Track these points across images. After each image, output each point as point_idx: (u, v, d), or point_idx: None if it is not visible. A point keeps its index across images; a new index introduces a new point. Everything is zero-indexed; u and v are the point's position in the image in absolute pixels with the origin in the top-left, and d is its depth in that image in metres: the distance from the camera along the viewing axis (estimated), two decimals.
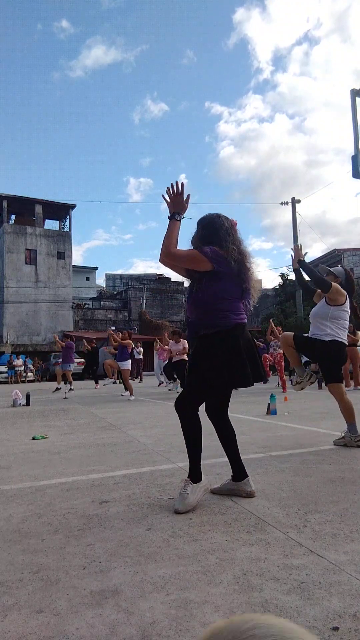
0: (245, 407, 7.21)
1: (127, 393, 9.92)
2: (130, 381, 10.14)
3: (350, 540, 1.82)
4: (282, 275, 30.40)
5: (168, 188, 2.40)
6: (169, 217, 2.39)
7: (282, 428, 4.89)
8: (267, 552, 1.75)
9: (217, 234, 2.39)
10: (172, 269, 2.51)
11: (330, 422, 5.06)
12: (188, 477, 2.39)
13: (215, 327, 2.32)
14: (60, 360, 13.02)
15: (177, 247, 2.35)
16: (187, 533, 1.98)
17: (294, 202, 22.39)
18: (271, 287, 34.55)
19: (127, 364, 9.93)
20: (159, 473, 3.07)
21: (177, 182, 2.39)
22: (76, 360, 13.91)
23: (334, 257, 30.41)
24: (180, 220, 2.38)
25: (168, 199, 2.41)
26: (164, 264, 2.43)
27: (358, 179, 9.89)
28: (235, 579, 1.54)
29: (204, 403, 2.52)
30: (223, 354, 2.30)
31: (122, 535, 1.99)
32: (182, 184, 2.37)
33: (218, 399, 2.55)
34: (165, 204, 2.43)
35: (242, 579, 1.54)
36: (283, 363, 10.22)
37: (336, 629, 1.23)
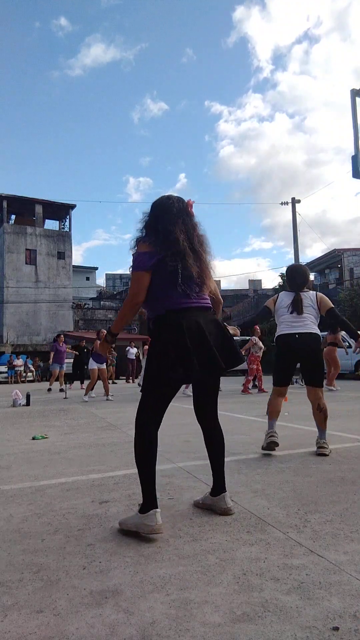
0: (245, 407, 7.21)
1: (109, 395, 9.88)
2: (120, 382, 10.12)
3: (350, 540, 1.82)
4: (282, 276, 30.42)
5: None
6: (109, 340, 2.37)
7: (282, 428, 4.89)
8: (267, 552, 1.75)
9: (162, 217, 2.20)
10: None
11: (330, 422, 5.04)
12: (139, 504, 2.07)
13: (151, 319, 2.21)
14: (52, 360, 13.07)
15: (126, 299, 2.21)
16: (187, 533, 1.98)
17: (294, 202, 22.38)
18: (271, 287, 34.56)
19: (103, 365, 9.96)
20: (158, 473, 3.05)
21: None
22: (68, 361, 13.92)
23: (334, 257, 30.43)
24: (111, 332, 2.35)
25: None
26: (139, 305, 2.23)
27: (358, 179, 9.89)
28: (235, 579, 1.54)
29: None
30: (152, 349, 2.13)
31: (122, 535, 1.99)
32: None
33: (198, 399, 2.39)
34: None
35: (242, 579, 1.54)
36: (254, 366, 10.22)
37: (336, 629, 1.23)
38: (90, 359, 10.12)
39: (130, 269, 2.18)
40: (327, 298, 3.80)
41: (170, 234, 2.15)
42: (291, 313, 3.64)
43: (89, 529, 2.09)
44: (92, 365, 9.93)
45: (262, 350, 10.22)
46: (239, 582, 1.52)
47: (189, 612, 1.35)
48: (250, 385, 10.31)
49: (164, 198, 2.30)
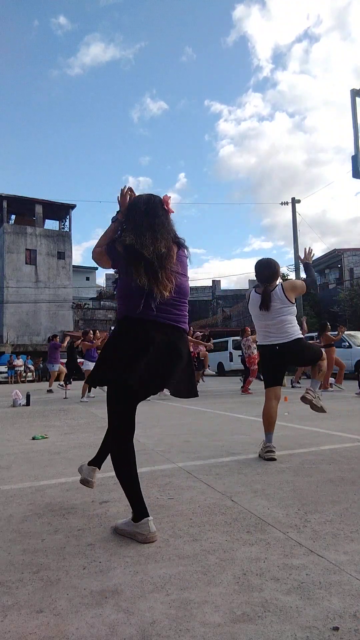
0: (245, 407, 7.21)
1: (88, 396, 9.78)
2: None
3: (350, 540, 1.82)
4: (282, 275, 30.47)
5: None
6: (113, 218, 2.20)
7: (282, 428, 4.89)
8: (267, 552, 1.75)
9: (132, 219, 2.07)
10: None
11: (330, 422, 5.06)
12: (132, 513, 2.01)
13: (117, 319, 2.12)
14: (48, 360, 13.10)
15: (98, 243, 2.19)
16: (187, 533, 1.98)
17: (294, 202, 22.39)
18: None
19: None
20: (158, 473, 3.07)
21: (125, 188, 2.17)
22: (62, 360, 13.91)
23: (334, 257, 30.44)
24: (114, 221, 2.15)
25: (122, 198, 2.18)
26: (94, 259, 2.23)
27: (358, 179, 9.89)
28: (235, 579, 1.54)
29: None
30: (117, 345, 2.03)
31: (122, 535, 1.99)
32: (125, 186, 2.16)
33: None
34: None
35: (242, 579, 1.54)
36: (255, 367, 10.19)
37: (336, 629, 1.23)
38: (85, 360, 10.09)
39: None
40: (292, 280, 3.89)
41: (146, 237, 1.98)
42: (263, 312, 3.58)
43: (89, 529, 2.09)
44: (87, 366, 9.93)
45: (252, 349, 10.20)
46: (239, 582, 1.52)
47: (189, 612, 1.35)
48: (250, 386, 10.33)
49: (138, 198, 2.15)
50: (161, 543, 1.89)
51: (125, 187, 2.19)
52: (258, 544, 1.83)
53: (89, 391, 9.93)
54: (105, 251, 2.10)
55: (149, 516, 1.95)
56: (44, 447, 4.28)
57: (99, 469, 2.40)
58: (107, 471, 3.18)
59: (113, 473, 3.10)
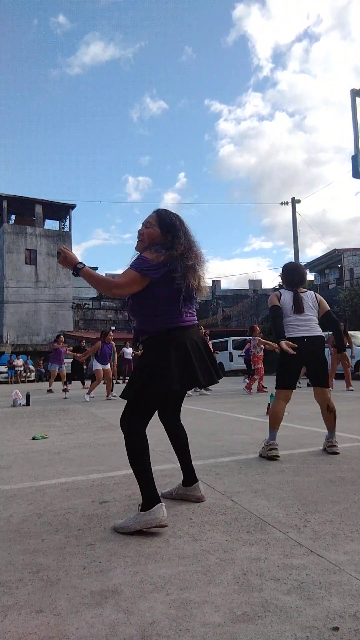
0: (245, 407, 7.21)
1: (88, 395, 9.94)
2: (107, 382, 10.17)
3: (350, 540, 1.82)
4: (281, 275, 30.37)
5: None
6: (75, 274, 2.22)
7: (282, 428, 4.88)
8: (267, 552, 1.75)
9: (178, 233, 2.24)
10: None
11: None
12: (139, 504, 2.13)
13: (151, 333, 2.22)
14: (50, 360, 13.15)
15: (111, 280, 2.21)
16: (187, 533, 1.98)
17: (294, 202, 22.39)
18: (271, 287, 34.58)
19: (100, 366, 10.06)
20: (158, 473, 3.07)
21: (59, 249, 2.31)
22: (67, 361, 13.95)
23: (334, 257, 30.43)
24: (83, 267, 2.20)
25: (61, 263, 2.29)
26: (121, 295, 2.25)
27: (358, 179, 9.89)
28: (235, 579, 1.54)
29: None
30: (151, 360, 2.16)
31: (122, 535, 1.99)
32: (61, 248, 2.30)
33: (169, 404, 2.48)
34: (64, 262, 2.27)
35: (242, 579, 1.54)
36: (260, 365, 10.24)
37: (336, 629, 1.23)
38: (94, 360, 10.13)
39: (131, 266, 2.13)
40: (324, 300, 3.82)
41: (180, 249, 2.18)
42: (295, 313, 3.62)
43: (89, 529, 2.09)
44: (97, 366, 9.95)
45: (262, 350, 10.22)
46: (239, 582, 1.52)
47: (189, 612, 1.35)
48: (253, 385, 10.34)
49: (168, 215, 2.31)
50: (161, 543, 1.89)
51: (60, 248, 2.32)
52: (258, 544, 1.83)
53: (107, 391, 9.94)
54: (145, 274, 2.12)
55: (160, 502, 2.05)
56: (44, 447, 4.28)
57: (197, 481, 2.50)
58: (107, 471, 3.18)
59: (113, 473, 3.12)
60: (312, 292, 3.82)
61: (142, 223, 2.34)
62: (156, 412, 2.36)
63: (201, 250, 2.32)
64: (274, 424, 3.56)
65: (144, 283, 2.14)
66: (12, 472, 3.31)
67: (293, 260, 20.43)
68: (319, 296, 3.81)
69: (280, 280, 30.91)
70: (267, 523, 2.05)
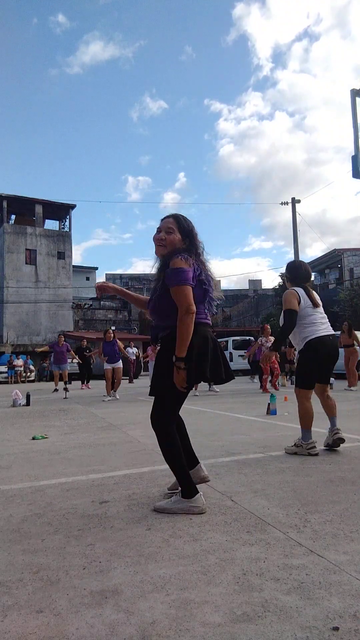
0: (245, 407, 7.21)
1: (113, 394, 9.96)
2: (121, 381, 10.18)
3: (350, 540, 1.82)
4: (282, 275, 30.42)
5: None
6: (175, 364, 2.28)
7: (282, 428, 4.89)
8: (267, 552, 1.75)
9: (194, 239, 2.47)
10: None
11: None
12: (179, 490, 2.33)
13: (176, 329, 2.30)
14: (53, 360, 13.18)
15: (185, 314, 2.27)
16: (187, 533, 1.98)
17: (294, 202, 22.38)
18: (271, 287, 34.57)
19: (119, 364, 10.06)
20: (159, 473, 3.07)
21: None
22: (70, 360, 13.98)
23: (333, 257, 30.44)
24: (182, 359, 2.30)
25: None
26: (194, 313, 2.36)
27: (358, 179, 9.89)
28: (235, 579, 1.54)
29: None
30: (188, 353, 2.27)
31: (122, 535, 1.99)
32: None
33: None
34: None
35: (242, 579, 1.54)
36: (277, 365, 10.35)
37: (336, 629, 1.23)
38: (104, 360, 10.09)
39: (175, 283, 2.27)
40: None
41: (198, 253, 2.45)
42: (315, 308, 3.66)
43: (89, 529, 2.09)
44: (106, 365, 9.93)
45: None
46: (239, 582, 1.52)
47: (189, 612, 1.35)
48: (269, 383, 10.39)
49: (189, 221, 2.50)
50: (161, 543, 1.89)
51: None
52: (258, 544, 1.83)
53: (113, 392, 9.93)
54: (187, 282, 2.30)
55: (199, 492, 2.29)
56: (44, 447, 4.28)
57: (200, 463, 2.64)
58: (107, 471, 3.18)
59: (113, 473, 3.12)
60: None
61: (161, 229, 2.45)
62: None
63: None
64: (309, 423, 3.59)
65: (190, 289, 2.34)
66: (12, 472, 3.31)
67: (297, 260, 20.49)
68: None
69: (281, 280, 30.95)
70: (267, 523, 2.05)
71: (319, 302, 3.72)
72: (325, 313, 3.77)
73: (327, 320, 3.73)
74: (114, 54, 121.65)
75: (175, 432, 2.37)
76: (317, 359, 3.58)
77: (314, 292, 3.77)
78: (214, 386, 10.37)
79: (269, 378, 10.50)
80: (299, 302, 3.62)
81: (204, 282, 2.39)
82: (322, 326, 3.63)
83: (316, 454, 3.45)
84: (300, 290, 3.70)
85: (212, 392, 10.33)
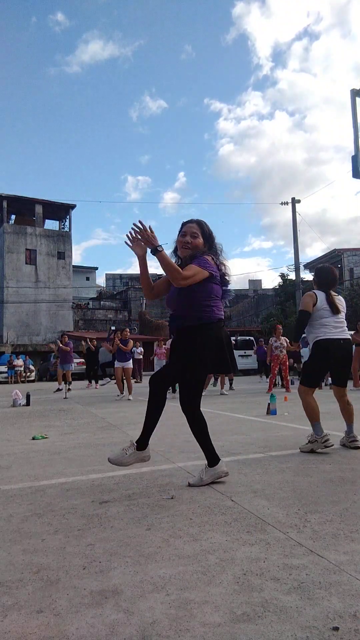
0: (245, 407, 7.21)
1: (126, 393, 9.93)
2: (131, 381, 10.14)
3: (350, 540, 1.82)
4: (282, 275, 30.37)
5: (132, 230, 2.67)
6: (153, 253, 2.61)
7: (282, 428, 4.89)
8: (267, 552, 1.75)
9: (213, 242, 2.82)
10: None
11: (330, 422, 5.05)
12: (206, 462, 2.77)
13: (202, 319, 2.67)
14: (59, 360, 13.17)
15: (180, 270, 2.59)
16: (187, 533, 1.98)
17: (294, 202, 22.39)
18: (271, 287, 34.56)
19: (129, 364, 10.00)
20: (159, 473, 3.07)
21: (138, 222, 2.65)
22: (75, 360, 13.97)
23: (333, 257, 30.43)
24: (162, 251, 2.60)
25: (140, 237, 2.64)
26: (182, 286, 2.65)
27: (358, 179, 9.88)
28: (235, 579, 1.54)
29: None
30: (211, 343, 2.68)
31: (122, 535, 1.99)
32: (140, 221, 2.66)
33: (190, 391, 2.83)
34: (139, 242, 2.69)
35: (242, 579, 1.54)
36: (287, 364, 10.40)
37: (336, 629, 1.23)
38: (116, 359, 10.04)
39: (197, 264, 2.62)
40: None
41: (219, 258, 2.80)
42: (333, 314, 3.72)
43: (89, 529, 2.09)
44: (117, 364, 9.92)
45: (284, 350, 10.21)
46: (239, 582, 1.52)
47: (189, 612, 1.35)
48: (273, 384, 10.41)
49: (207, 225, 2.85)
50: (161, 543, 1.89)
51: (139, 222, 2.66)
52: (258, 544, 1.83)
53: (128, 391, 9.90)
54: (209, 271, 2.66)
55: (220, 459, 2.76)
56: (44, 447, 4.28)
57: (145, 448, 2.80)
58: (107, 471, 3.18)
59: (113, 473, 3.12)
60: (340, 296, 3.93)
61: (186, 232, 2.74)
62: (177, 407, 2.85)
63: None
64: (315, 417, 3.66)
65: (202, 278, 2.62)
66: (12, 472, 3.32)
67: (293, 262, 20.48)
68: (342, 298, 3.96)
69: (281, 281, 30.90)
70: (267, 523, 2.05)
71: (341, 309, 3.79)
72: (345, 319, 3.82)
73: (344, 326, 3.78)
74: (114, 52, 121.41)
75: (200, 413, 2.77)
76: (325, 359, 3.70)
77: (337, 298, 3.81)
78: (223, 390, 10.41)
79: (277, 381, 10.53)
80: (314, 305, 3.72)
81: (225, 282, 2.79)
82: (335, 330, 3.70)
83: (332, 446, 3.50)
84: (321, 294, 3.78)
85: (222, 394, 10.31)
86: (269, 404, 6.10)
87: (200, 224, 2.79)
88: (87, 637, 1.25)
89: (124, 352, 9.86)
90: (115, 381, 10.56)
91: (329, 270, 3.97)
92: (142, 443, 2.73)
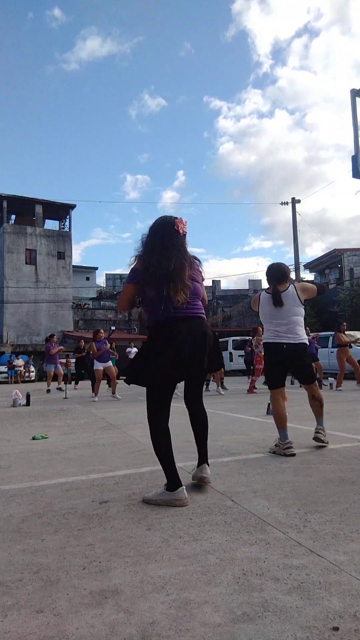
0: (245, 407, 7.21)
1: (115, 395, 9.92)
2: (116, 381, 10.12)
3: (350, 540, 1.82)
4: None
5: None
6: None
7: None
8: (267, 552, 1.75)
9: (151, 238, 2.51)
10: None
11: (330, 422, 5.05)
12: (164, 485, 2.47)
13: (149, 325, 2.57)
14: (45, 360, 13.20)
15: (120, 298, 2.65)
16: (187, 533, 1.98)
17: (294, 202, 22.40)
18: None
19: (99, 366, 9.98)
20: (159, 473, 3.07)
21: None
22: (60, 360, 13.98)
23: (333, 257, 30.42)
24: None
25: None
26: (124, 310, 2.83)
27: (358, 179, 9.88)
28: (235, 579, 1.54)
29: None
30: (148, 349, 2.52)
31: (122, 535, 1.99)
32: None
33: (190, 389, 2.77)
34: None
35: (242, 579, 1.54)
36: (260, 366, 10.33)
37: (336, 629, 1.23)
38: (95, 360, 10.03)
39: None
40: (304, 283, 4.00)
41: (159, 255, 2.42)
42: (274, 307, 3.72)
43: (89, 529, 2.09)
44: (97, 365, 9.89)
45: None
46: (239, 582, 1.52)
47: (189, 612, 1.35)
48: (255, 385, 10.38)
49: (157, 221, 2.56)
50: (161, 543, 1.89)
51: None
52: (258, 544, 1.83)
53: (96, 394, 9.90)
54: (127, 280, 2.54)
55: (182, 485, 2.40)
56: (44, 447, 4.28)
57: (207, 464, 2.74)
58: (107, 471, 3.18)
59: (113, 473, 3.12)
60: (292, 285, 3.85)
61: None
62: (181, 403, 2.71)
63: (180, 258, 2.58)
64: (282, 424, 3.65)
65: (129, 291, 2.62)
66: (12, 472, 3.31)
67: (293, 261, 20.55)
68: (297, 284, 3.87)
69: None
70: (267, 523, 2.05)
71: (283, 302, 3.79)
72: (295, 315, 3.76)
73: (293, 324, 3.75)
74: (112, 49, 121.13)
75: (162, 425, 2.49)
76: (268, 362, 3.84)
77: (286, 291, 3.80)
78: (219, 388, 10.40)
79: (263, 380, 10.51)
80: (258, 303, 3.94)
81: (159, 285, 2.50)
82: (277, 333, 3.76)
83: (292, 455, 3.45)
84: (264, 294, 3.91)
85: (217, 393, 10.34)
86: (269, 404, 6.09)
87: (142, 238, 2.56)
88: (87, 637, 1.25)
89: (102, 353, 9.85)
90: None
91: (272, 268, 3.93)
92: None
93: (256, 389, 10.25)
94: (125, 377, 2.60)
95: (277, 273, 3.86)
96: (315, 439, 3.72)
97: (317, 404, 3.78)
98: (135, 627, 1.29)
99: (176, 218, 2.55)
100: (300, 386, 4.02)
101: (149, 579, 1.58)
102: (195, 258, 2.66)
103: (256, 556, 1.72)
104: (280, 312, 3.72)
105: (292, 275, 25.53)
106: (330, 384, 10.45)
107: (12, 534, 2.06)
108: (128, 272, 2.54)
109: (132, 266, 2.51)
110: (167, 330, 2.44)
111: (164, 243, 2.44)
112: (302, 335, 3.75)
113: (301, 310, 3.78)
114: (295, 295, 3.74)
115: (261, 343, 10.15)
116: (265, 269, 4.00)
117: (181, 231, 2.51)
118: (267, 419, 5.61)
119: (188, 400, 2.79)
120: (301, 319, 3.76)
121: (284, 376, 3.85)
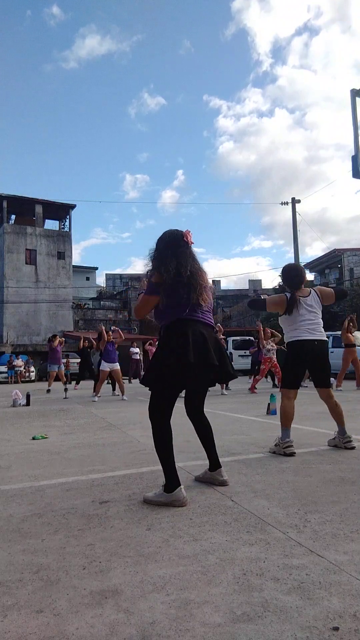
0: (245, 407, 7.21)
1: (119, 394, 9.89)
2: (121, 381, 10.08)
3: (350, 540, 1.82)
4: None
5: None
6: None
7: None
8: (267, 552, 1.75)
9: (160, 251, 2.60)
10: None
11: (330, 422, 5.05)
12: (162, 486, 2.46)
13: (161, 328, 2.63)
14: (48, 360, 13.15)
15: (141, 308, 2.70)
16: (187, 533, 1.98)
17: (294, 202, 22.37)
18: (271, 287, 34.53)
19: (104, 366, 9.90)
20: (159, 473, 3.06)
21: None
22: (75, 360, 13.97)
23: (334, 257, 30.43)
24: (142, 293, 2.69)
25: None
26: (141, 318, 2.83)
27: (358, 179, 9.88)
28: (235, 579, 1.54)
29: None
30: (160, 350, 2.54)
31: (122, 535, 1.99)
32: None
33: (190, 399, 2.80)
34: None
35: (242, 579, 1.54)
36: (264, 367, 10.37)
37: (336, 629, 1.23)
38: (102, 360, 9.91)
39: (142, 292, 2.68)
40: (324, 289, 3.95)
41: (173, 266, 2.52)
42: (301, 314, 3.71)
43: (89, 529, 2.09)
44: (104, 366, 9.79)
45: (272, 351, 10.21)
46: (239, 582, 1.52)
47: (189, 612, 1.35)
48: (256, 385, 10.40)
49: (162, 235, 2.67)
50: (161, 543, 1.89)
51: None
52: (258, 544, 1.83)
53: (121, 392, 9.84)
54: (148, 293, 2.60)
55: (181, 485, 2.40)
56: (44, 447, 4.28)
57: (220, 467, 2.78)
58: (107, 471, 3.18)
59: (113, 473, 3.12)
60: (312, 289, 3.87)
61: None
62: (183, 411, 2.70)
63: (197, 258, 2.72)
64: (288, 422, 3.65)
65: (149, 301, 2.66)
66: (12, 472, 3.31)
67: (293, 261, 20.57)
68: (317, 288, 3.90)
69: (281, 280, 30.80)
70: (267, 523, 2.05)
71: (307, 308, 3.79)
72: (319, 318, 3.81)
73: (321, 326, 3.79)
74: (111, 48, 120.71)
75: (165, 427, 2.49)
76: (296, 359, 3.75)
77: (309, 299, 3.82)
78: (223, 390, 10.41)
79: (264, 380, 10.53)
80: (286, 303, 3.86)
81: (178, 291, 2.60)
82: (309, 330, 3.72)
83: (292, 454, 3.46)
84: (290, 295, 3.85)
85: (219, 394, 10.34)
86: (269, 404, 6.10)
87: (150, 253, 2.66)
88: (87, 637, 1.25)
89: (110, 353, 9.78)
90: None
91: (292, 269, 3.97)
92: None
93: (256, 389, 10.25)
94: (140, 379, 2.65)
95: (300, 277, 3.91)
96: (350, 448, 3.68)
97: (340, 411, 3.79)
98: (135, 627, 1.29)
99: (183, 231, 2.71)
100: (305, 386, 4.02)
101: (149, 579, 1.58)
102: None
103: (256, 556, 1.72)
104: (309, 314, 3.73)
105: None
106: (330, 384, 10.43)
107: (12, 534, 2.06)
108: (146, 285, 2.63)
109: (150, 279, 2.58)
110: (183, 328, 2.49)
111: (178, 253, 2.57)
112: (324, 334, 3.80)
113: (321, 314, 3.84)
114: (318, 299, 3.80)
115: (270, 344, 10.18)
116: (282, 270, 4.04)
117: (190, 242, 2.67)
118: (267, 419, 5.61)
119: (190, 412, 2.81)
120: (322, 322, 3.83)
121: (301, 379, 3.88)
